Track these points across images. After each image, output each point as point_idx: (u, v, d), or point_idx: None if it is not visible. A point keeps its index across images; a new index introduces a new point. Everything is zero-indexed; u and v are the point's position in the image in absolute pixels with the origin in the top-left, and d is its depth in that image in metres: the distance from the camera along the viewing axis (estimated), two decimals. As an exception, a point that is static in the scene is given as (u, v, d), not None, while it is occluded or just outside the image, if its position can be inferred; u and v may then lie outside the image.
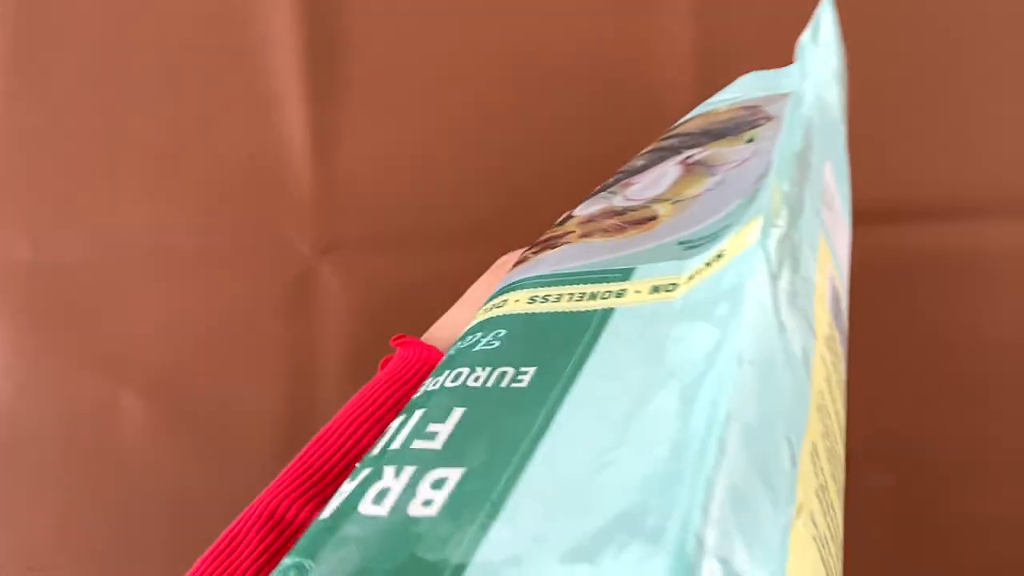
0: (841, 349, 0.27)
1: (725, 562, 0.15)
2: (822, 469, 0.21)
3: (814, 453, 0.20)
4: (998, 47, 0.54)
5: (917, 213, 0.53)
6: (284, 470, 0.34)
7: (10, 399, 0.54)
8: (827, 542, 0.20)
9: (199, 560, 0.32)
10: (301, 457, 0.34)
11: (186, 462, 0.53)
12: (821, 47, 0.30)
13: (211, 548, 0.32)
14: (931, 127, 0.54)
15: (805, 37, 0.30)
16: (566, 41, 0.56)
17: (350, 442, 0.33)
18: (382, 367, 0.38)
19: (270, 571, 0.30)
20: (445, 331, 0.39)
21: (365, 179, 0.55)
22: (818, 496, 0.20)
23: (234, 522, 0.32)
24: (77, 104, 0.56)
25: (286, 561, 0.20)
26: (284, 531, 0.31)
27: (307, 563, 0.20)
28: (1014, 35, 0.54)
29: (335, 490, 0.32)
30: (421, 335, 0.39)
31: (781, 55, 0.55)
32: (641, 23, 0.55)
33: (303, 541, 0.21)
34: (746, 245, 0.23)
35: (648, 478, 0.18)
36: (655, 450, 0.19)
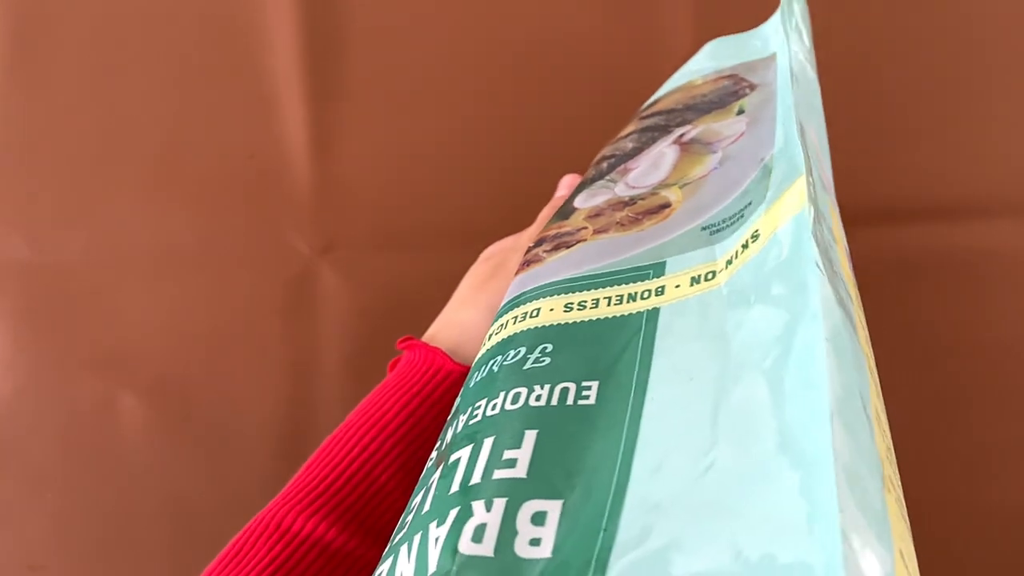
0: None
1: (861, 546, 0.15)
2: (885, 432, 0.21)
3: (877, 416, 0.20)
4: (1002, 46, 0.54)
5: (919, 213, 0.53)
6: (291, 480, 0.34)
7: (10, 399, 0.54)
8: (902, 503, 0.20)
9: (206, 571, 0.31)
10: (308, 467, 0.34)
11: (186, 462, 0.53)
12: (797, 7, 0.30)
13: (218, 558, 0.31)
14: (934, 127, 0.54)
15: (783, 2, 0.30)
16: (566, 40, 0.56)
17: (356, 449, 0.33)
18: (391, 369, 0.38)
19: None
20: (451, 332, 0.37)
21: (365, 179, 0.55)
22: (888, 459, 0.19)
23: (241, 532, 0.32)
24: (76, 103, 0.56)
25: None
26: (291, 542, 0.31)
27: None
28: (1018, 34, 0.54)
29: (341, 499, 0.32)
30: (418, 334, 0.39)
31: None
32: (641, 23, 0.55)
33: None
34: (782, 221, 0.22)
35: (760, 473, 0.18)
36: (757, 445, 0.18)
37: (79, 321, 0.54)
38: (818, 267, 0.20)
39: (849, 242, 0.28)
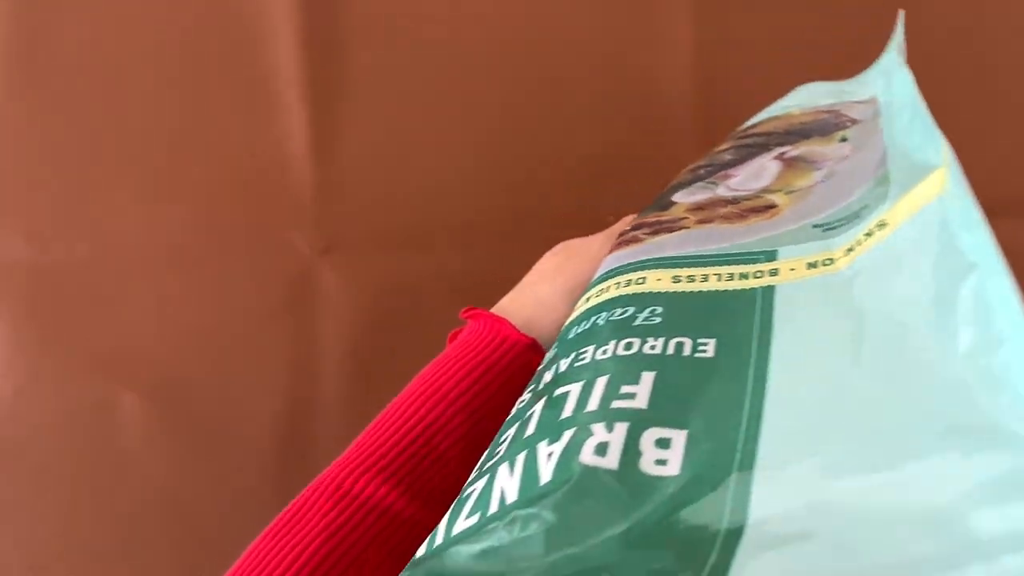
0: None
1: None
2: None
3: None
4: (1002, 46, 0.54)
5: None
6: (352, 445, 0.34)
7: (10, 399, 0.54)
8: None
9: (265, 531, 0.31)
10: (368, 432, 0.34)
11: (186, 462, 0.53)
12: (900, 55, 0.32)
13: (277, 519, 0.32)
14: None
15: (891, 53, 0.33)
16: (566, 40, 0.56)
17: (415, 418, 0.33)
18: (451, 340, 0.37)
19: (336, 542, 0.30)
20: (525, 306, 0.37)
21: (365, 179, 0.55)
22: None
23: (300, 495, 0.32)
24: (77, 104, 0.56)
25: (518, 512, 0.20)
26: (350, 504, 0.31)
27: (545, 514, 0.19)
28: (1018, 35, 0.54)
29: (400, 464, 0.32)
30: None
31: (780, 56, 0.55)
32: (641, 24, 0.55)
33: (526, 493, 0.20)
34: (911, 211, 0.24)
35: (946, 388, 0.19)
36: (925, 377, 0.19)
37: (79, 321, 0.54)
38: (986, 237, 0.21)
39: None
